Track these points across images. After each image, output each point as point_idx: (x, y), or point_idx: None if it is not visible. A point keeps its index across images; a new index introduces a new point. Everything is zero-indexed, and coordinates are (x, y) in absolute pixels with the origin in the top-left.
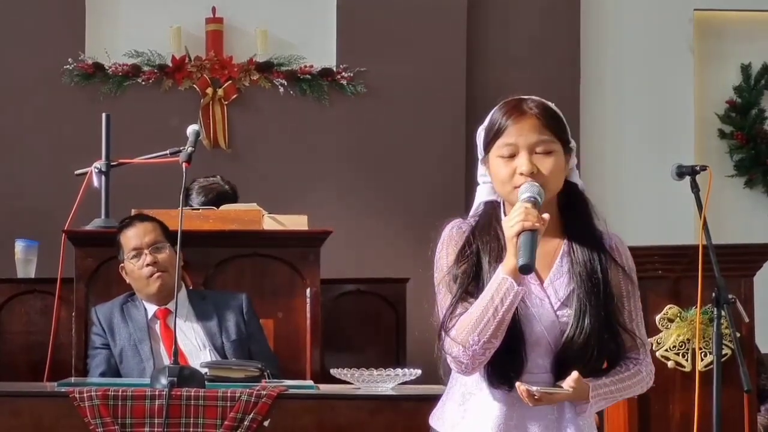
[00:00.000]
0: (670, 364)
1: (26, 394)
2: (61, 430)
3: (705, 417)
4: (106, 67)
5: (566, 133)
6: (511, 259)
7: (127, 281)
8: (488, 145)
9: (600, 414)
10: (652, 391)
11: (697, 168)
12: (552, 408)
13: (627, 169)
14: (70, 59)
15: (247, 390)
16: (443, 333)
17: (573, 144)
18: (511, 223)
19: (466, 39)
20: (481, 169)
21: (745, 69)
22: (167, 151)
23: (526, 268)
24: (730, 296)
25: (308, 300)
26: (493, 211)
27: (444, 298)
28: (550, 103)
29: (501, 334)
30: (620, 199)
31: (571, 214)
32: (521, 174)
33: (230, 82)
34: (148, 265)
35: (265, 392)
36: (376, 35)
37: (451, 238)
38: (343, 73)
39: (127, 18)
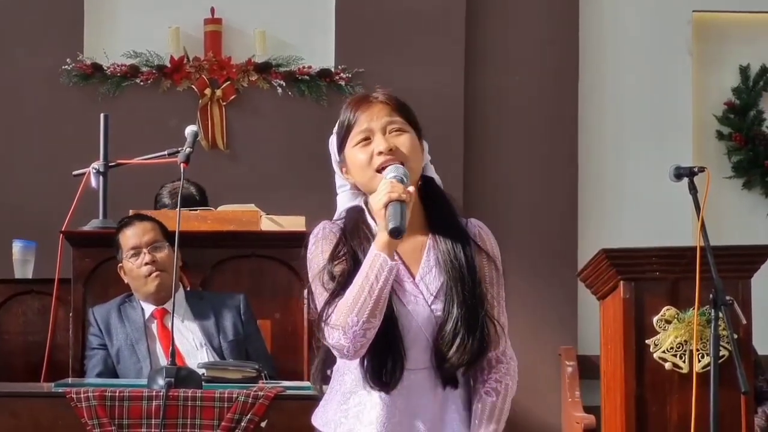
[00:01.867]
0: (667, 365)
1: (23, 394)
2: (58, 430)
3: (702, 418)
4: (105, 68)
5: (416, 121)
6: (382, 234)
7: (125, 281)
8: (342, 143)
9: (597, 415)
10: (649, 393)
11: (695, 169)
12: (434, 402)
13: (625, 171)
14: (68, 59)
15: (245, 391)
16: (323, 324)
17: (424, 140)
18: (378, 197)
19: (465, 41)
20: (338, 179)
21: (744, 70)
22: (165, 152)
23: (397, 231)
24: (727, 298)
25: (306, 301)
26: (357, 215)
27: (320, 293)
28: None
29: (379, 313)
30: (619, 201)
31: (432, 208)
32: (380, 153)
33: (228, 82)
34: (146, 264)
35: (262, 393)
36: (374, 37)
37: (324, 237)
38: (342, 74)
39: (125, 19)
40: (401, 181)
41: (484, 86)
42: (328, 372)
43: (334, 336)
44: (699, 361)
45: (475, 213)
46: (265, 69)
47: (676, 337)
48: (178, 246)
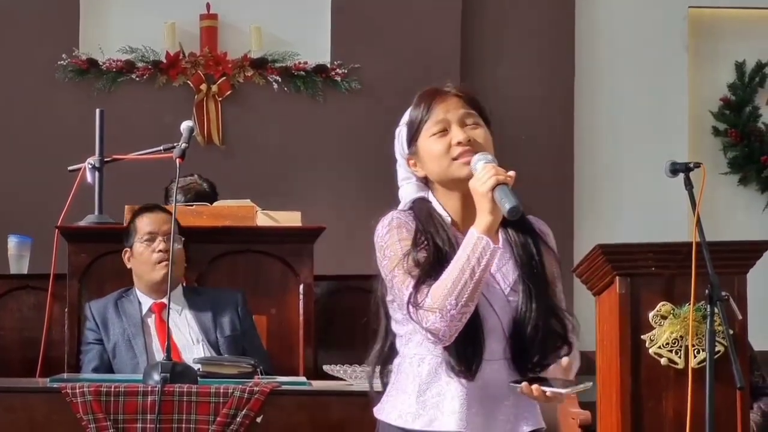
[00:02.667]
0: (663, 361)
1: (19, 389)
2: (53, 425)
3: (698, 414)
4: (100, 63)
5: (488, 116)
6: (485, 217)
7: (129, 266)
8: (415, 134)
9: (593, 411)
10: (645, 388)
11: (691, 165)
12: (508, 394)
13: (621, 166)
14: (63, 55)
15: (240, 386)
16: (413, 308)
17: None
18: (483, 179)
19: (461, 36)
20: (402, 172)
21: (740, 66)
22: (161, 147)
23: (516, 210)
24: (723, 293)
25: (301, 296)
26: (425, 205)
27: (403, 279)
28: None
29: (477, 297)
30: (614, 196)
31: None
32: (458, 144)
33: (224, 78)
34: (159, 251)
35: (258, 388)
36: (370, 32)
37: (400, 225)
38: (338, 70)
39: (121, 14)
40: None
41: (480, 81)
42: (390, 367)
43: (431, 319)
44: (695, 356)
45: None
46: (260, 64)
47: (671, 333)
48: (182, 239)
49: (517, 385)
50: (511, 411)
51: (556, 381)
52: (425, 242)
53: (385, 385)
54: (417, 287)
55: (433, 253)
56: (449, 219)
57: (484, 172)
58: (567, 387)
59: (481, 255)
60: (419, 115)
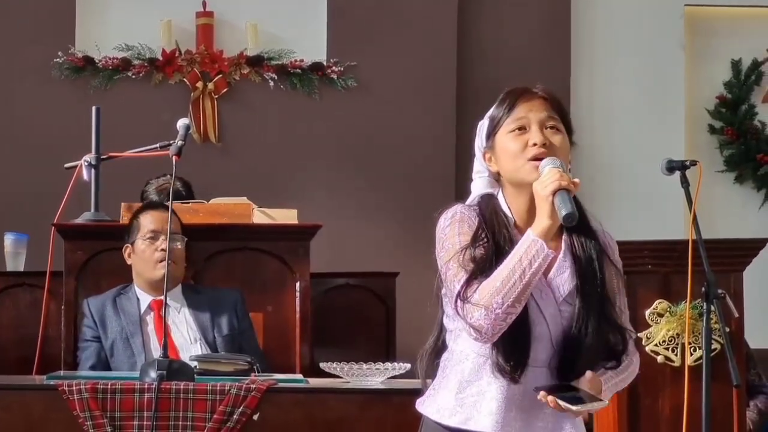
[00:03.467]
0: (659, 358)
1: (15, 387)
2: (50, 423)
3: (694, 412)
4: (96, 61)
5: (570, 124)
6: (543, 221)
7: (129, 262)
8: (495, 128)
9: None
10: (641, 386)
11: (687, 163)
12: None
13: (617, 164)
14: (60, 52)
15: (237, 383)
16: (461, 302)
17: (574, 139)
18: (545, 183)
19: (457, 33)
20: (477, 164)
21: (736, 65)
22: (157, 145)
23: (571, 217)
24: (719, 291)
25: (298, 294)
26: (492, 202)
27: (457, 272)
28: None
29: (524, 299)
30: (611, 194)
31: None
32: (534, 145)
33: (220, 76)
34: (162, 250)
35: (254, 386)
36: (366, 29)
37: (462, 219)
38: (334, 68)
39: (117, 11)
40: (562, 169)
41: (477, 78)
42: (437, 362)
43: (475, 315)
44: (691, 354)
45: None
46: (257, 62)
47: (668, 331)
48: (185, 239)
49: (539, 390)
50: (549, 419)
51: (581, 393)
52: (485, 239)
53: (430, 379)
54: (468, 282)
55: (491, 251)
56: (513, 219)
57: (548, 176)
58: (579, 404)
59: (533, 258)
60: (502, 110)
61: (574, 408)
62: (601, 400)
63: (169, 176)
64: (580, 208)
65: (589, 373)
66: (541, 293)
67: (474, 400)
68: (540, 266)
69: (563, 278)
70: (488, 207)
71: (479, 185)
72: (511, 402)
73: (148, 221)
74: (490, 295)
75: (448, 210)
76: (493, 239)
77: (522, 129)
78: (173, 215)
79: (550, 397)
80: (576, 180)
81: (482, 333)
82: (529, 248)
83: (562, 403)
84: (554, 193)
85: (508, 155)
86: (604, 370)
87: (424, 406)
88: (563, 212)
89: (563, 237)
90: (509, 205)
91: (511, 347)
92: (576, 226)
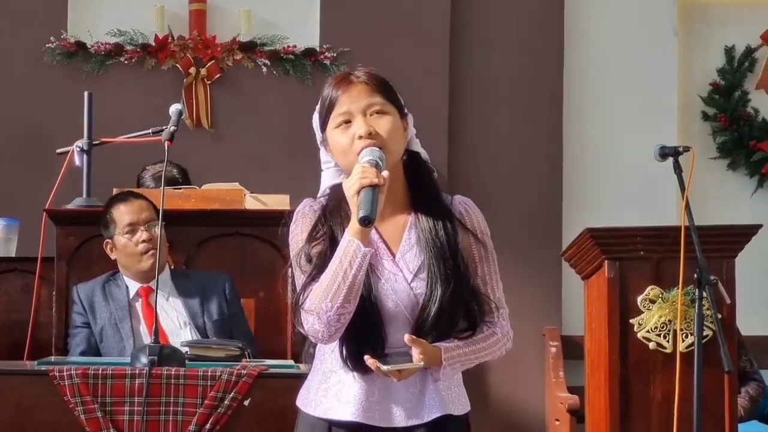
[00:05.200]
0: (651, 345)
1: (6, 372)
2: (40, 408)
3: (686, 398)
4: (89, 46)
5: (398, 99)
6: (354, 221)
7: (113, 257)
8: (324, 123)
9: (581, 395)
10: (633, 372)
11: (680, 149)
12: (414, 381)
13: (610, 151)
14: (52, 38)
15: (228, 369)
16: (298, 309)
17: (408, 114)
18: (351, 182)
19: (450, 20)
20: (323, 155)
21: (729, 51)
22: (150, 131)
23: (366, 220)
24: (711, 277)
25: (290, 278)
26: (340, 193)
27: (297, 277)
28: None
29: (354, 298)
30: (603, 180)
31: (416, 185)
32: (360, 138)
33: (213, 61)
34: (143, 241)
35: (245, 371)
36: (359, 16)
37: (304, 216)
38: (326, 54)
39: None
40: (376, 165)
41: (469, 65)
42: (311, 351)
43: (309, 321)
44: (683, 340)
45: (458, 192)
46: (249, 48)
47: (660, 317)
48: (164, 225)
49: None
50: (416, 398)
51: (403, 357)
52: (323, 235)
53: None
54: (305, 286)
55: (326, 248)
56: None
57: (354, 173)
58: (396, 364)
59: (352, 258)
60: (326, 102)
61: (383, 368)
62: (419, 365)
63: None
64: (428, 181)
65: (418, 342)
66: (390, 274)
67: (336, 390)
68: (360, 265)
69: (411, 255)
70: (334, 199)
71: (327, 176)
72: (372, 387)
73: (122, 215)
74: (319, 300)
75: (298, 206)
76: (331, 235)
77: (347, 122)
78: (148, 201)
79: (370, 361)
80: (384, 173)
81: (319, 337)
82: (347, 249)
83: (376, 364)
84: (359, 192)
85: (340, 152)
86: (452, 339)
87: (300, 399)
88: (361, 213)
89: (410, 213)
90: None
91: (361, 341)
92: (420, 199)
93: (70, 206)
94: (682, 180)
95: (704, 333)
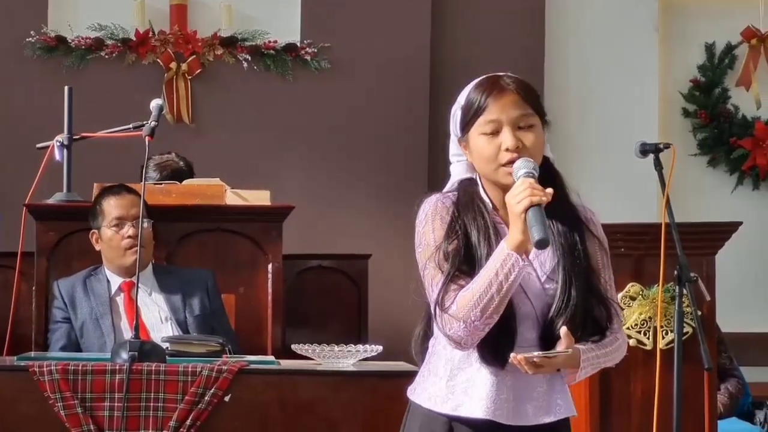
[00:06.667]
0: (631, 342)
1: None
2: (20, 404)
3: (665, 394)
4: (69, 40)
5: (542, 108)
6: (516, 235)
7: (97, 248)
8: (467, 125)
9: None
10: (613, 369)
11: (661, 146)
12: (542, 380)
13: (591, 147)
14: (32, 32)
15: (209, 365)
16: (438, 310)
17: (548, 120)
18: (517, 198)
19: (431, 15)
20: (454, 149)
21: (709, 48)
22: (130, 125)
23: (544, 242)
24: (692, 274)
25: (270, 275)
26: (471, 188)
27: (434, 275)
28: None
29: (502, 309)
30: (584, 177)
31: (552, 188)
32: (507, 150)
33: (194, 56)
34: (129, 237)
35: (226, 367)
36: (340, 11)
37: (436, 213)
38: (307, 49)
39: None
40: (532, 176)
41: (450, 60)
42: (425, 346)
43: (454, 327)
44: (663, 337)
45: (440, 188)
46: (230, 43)
47: (640, 314)
48: (151, 221)
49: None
50: (543, 397)
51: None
52: (459, 231)
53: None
54: (445, 288)
55: (464, 245)
56: (491, 205)
57: (520, 189)
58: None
59: (509, 271)
60: (474, 105)
61: (533, 355)
62: (568, 352)
63: (173, 154)
64: (560, 185)
65: (568, 335)
66: (526, 275)
67: (465, 387)
68: (516, 279)
69: (545, 256)
70: (466, 194)
71: (458, 169)
72: (502, 385)
73: (112, 208)
74: (468, 308)
75: (425, 201)
76: (465, 231)
77: (494, 132)
78: (139, 197)
79: (519, 356)
80: (549, 190)
81: (461, 344)
82: (504, 261)
83: (520, 355)
84: (527, 210)
85: (482, 158)
86: (584, 342)
87: (415, 393)
88: (536, 236)
89: None
90: (488, 192)
91: (496, 334)
92: (553, 203)
93: (50, 201)
94: (663, 177)
95: (684, 330)
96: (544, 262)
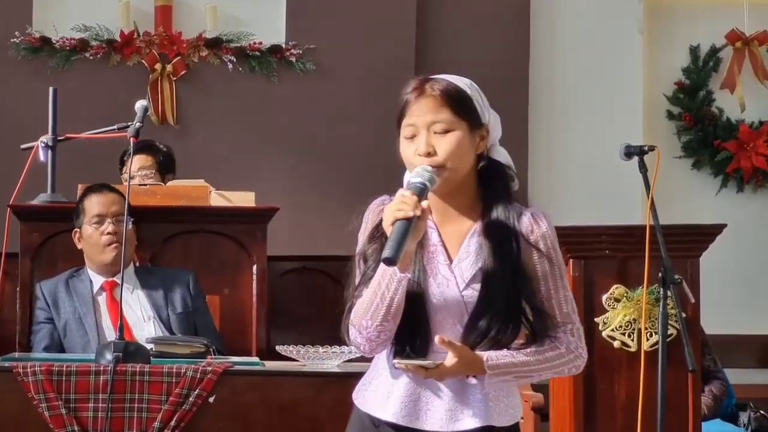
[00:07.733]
0: (616, 344)
1: None
2: (4, 405)
3: (650, 396)
4: (54, 41)
5: (473, 112)
6: None
7: (79, 246)
8: (398, 126)
9: (545, 393)
10: (597, 371)
11: (646, 148)
12: (460, 388)
13: (575, 149)
14: (17, 32)
15: (193, 366)
16: (345, 315)
17: (489, 120)
18: (391, 210)
19: (416, 17)
20: None
21: (694, 51)
22: (115, 126)
23: (388, 261)
24: (676, 277)
25: (254, 276)
26: None
27: (355, 277)
28: (458, 81)
29: (393, 317)
30: (569, 179)
31: (488, 193)
32: (419, 155)
33: (179, 58)
34: (108, 234)
35: (210, 368)
36: (325, 13)
37: (370, 217)
38: (292, 51)
39: None
40: (422, 190)
41: (435, 62)
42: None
43: (352, 333)
44: (647, 339)
45: None
46: (215, 44)
47: (625, 316)
48: (134, 221)
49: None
50: (459, 406)
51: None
52: (378, 236)
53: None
54: (356, 289)
55: (379, 251)
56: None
57: (394, 201)
58: (409, 360)
59: (389, 283)
60: (400, 108)
61: (395, 362)
62: (431, 363)
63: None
64: (499, 191)
65: (456, 345)
66: (444, 280)
67: (384, 389)
68: (397, 289)
69: (467, 263)
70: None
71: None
72: (416, 390)
73: (93, 205)
74: (360, 316)
75: (370, 204)
76: (386, 236)
77: (413, 136)
78: (121, 196)
79: (402, 362)
80: (424, 203)
81: (361, 349)
82: (384, 273)
83: (404, 362)
84: (394, 224)
85: (406, 161)
86: (506, 350)
87: (355, 394)
88: (384, 253)
89: (477, 221)
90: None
91: (411, 338)
92: (488, 209)
93: (34, 202)
94: (647, 179)
95: (668, 332)
96: (465, 269)
